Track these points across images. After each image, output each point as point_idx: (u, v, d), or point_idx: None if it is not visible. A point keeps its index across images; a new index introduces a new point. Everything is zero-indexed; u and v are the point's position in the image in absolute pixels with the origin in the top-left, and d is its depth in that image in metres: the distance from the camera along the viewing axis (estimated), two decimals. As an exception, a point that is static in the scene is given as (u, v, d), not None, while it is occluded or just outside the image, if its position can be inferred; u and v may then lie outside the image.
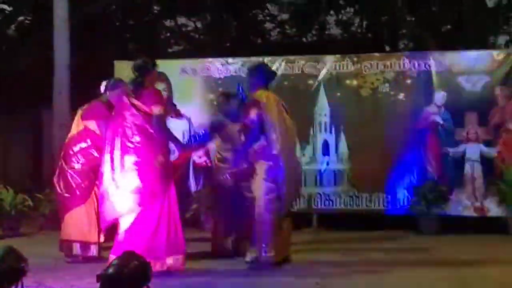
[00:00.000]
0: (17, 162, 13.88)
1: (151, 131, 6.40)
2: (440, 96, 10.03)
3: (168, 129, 6.65)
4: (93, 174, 7.22)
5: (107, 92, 7.46)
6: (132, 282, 4.60)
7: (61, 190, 7.40)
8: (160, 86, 10.68)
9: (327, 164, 10.27)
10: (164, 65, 10.88)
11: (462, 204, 9.87)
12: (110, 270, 4.59)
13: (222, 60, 10.75)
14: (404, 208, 9.97)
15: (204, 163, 8.28)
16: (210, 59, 10.85)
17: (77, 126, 7.51)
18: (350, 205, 10.12)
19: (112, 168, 6.41)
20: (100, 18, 14.95)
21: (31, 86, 13.47)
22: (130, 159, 6.36)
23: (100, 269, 4.66)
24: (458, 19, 14.98)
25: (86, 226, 7.27)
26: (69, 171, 7.35)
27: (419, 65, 10.17)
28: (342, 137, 10.25)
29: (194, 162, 8.45)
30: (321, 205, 10.22)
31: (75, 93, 11.11)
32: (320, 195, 10.23)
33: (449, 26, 16.11)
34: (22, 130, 13.85)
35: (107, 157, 6.49)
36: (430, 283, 5.89)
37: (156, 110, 6.41)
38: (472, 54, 10.31)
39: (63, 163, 7.43)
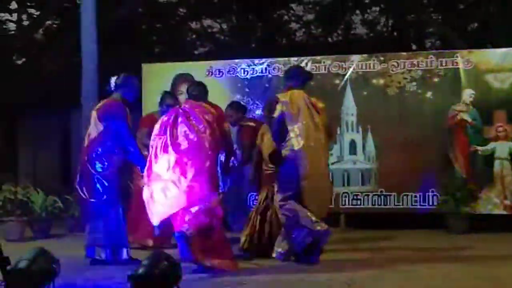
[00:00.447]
0: (47, 165, 14.01)
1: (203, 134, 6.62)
2: (468, 94, 9.98)
3: None
4: (120, 175, 7.18)
5: (119, 89, 7.32)
6: (163, 282, 4.65)
7: (86, 195, 7.15)
8: (186, 87, 10.83)
9: (354, 163, 10.26)
10: (190, 67, 11.08)
11: (492, 202, 9.81)
12: (141, 270, 4.65)
13: (248, 61, 10.79)
14: (432, 207, 9.92)
15: (231, 163, 8.30)
16: (236, 60, 10.90)
17: (96, 128, 7.22)
18: (378, 204, 10.10)
19: (170, 167, 6.50)
20: (127, 21, 15.03)
21: (60, 89, 13.58)
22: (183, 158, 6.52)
23: (130, 269, 4.72)
24: (485, 17, 14.86)
25: (114, 229, 7.10)
26: (96, 175, 7.11)
27: (446, 63, 10.12)
28: (369, 136, 10.24)
29: (221, 162, 8.46)
30: (348, 204, 10.21)
31: (103, 96, 11.18)
32: (348, 194, 10.22)
33: (476, 24, 15.99)
34: (51, 133, 13.98)
35: (162, 156, 6.56)
36: (460, 281, 5.86)
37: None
38: (500, 51, 10.24)
39: (89, 167, 7.13)
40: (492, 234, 9.26)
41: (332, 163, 10.14)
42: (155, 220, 6.63)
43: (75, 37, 11.93)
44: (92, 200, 7.11)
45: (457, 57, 10.11)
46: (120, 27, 14.56)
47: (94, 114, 7.32)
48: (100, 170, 7.11)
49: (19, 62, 15.95)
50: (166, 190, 6.50)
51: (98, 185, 7.11)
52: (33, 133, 14.02)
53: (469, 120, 9.97)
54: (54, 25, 16.35)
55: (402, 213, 10.04)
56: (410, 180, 10.01)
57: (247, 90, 10.61)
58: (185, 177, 6.46)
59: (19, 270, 4.82)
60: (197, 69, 10.86)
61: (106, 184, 7.10)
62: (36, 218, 9.94)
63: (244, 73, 10.68)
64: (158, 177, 6.57)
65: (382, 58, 10.34)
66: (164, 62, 11.90)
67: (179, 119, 6.70)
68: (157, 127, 6.82)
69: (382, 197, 10.11)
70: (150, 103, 9.94)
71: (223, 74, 10.76)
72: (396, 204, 10.05)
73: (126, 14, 14.96)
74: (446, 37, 14.71)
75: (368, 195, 10.17)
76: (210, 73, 10.77)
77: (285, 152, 7.03)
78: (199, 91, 7.22)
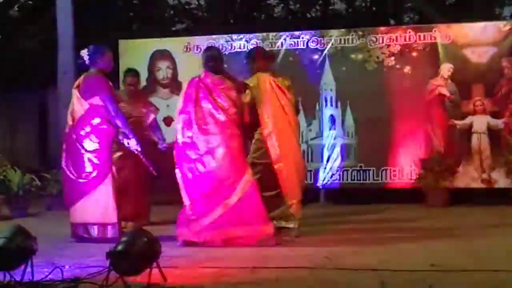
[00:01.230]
0: (24, 143, 13.90)
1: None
2: (446, 69, 9.98)
3: None
4: (110, 150, 7.02)
5: (93, 62, 7.12)
6: (142, 259, 4.62)
7: (74, 175, 6.97)
8: (164, 64, 10.77)
9: (334, 138, 10.26)
10: (168, 43, 10.99)
11: (470, 176, 9.86)
12: (119, 247, 4.62)
13: (226, 36, 10.71)
14: (411, 182, 9.96)
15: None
16: (214, 36, 10.83)
17: (81, 106, 6.99)
18: (357, 179, 10.13)
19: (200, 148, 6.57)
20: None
21: (36, 67, 13.45)
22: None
23: (109, 246, 4.69)
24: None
25: (103, 207, 6.94)
26: (86, 153, 6.92)
27: (424, 37, 10.11)
28: (348, 111, 10.24)
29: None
30: (328, 179, 10.23)
31: (79, 73, 11.08)
32: (327, 169, 10.22)
33: (453, -1, 16.04)
34: (28, 111, 13.85)
35: (188, 134, 6.60)
36: (438, 253, 5.89)
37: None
38: (478, 25, 10.23)
39: (78, 146, 6.91)
40: (470, 207, 9.32)
41: (311, 139, 10.19)
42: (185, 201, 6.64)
43: (51, 13, 11.80)
44: (82, 180, 6.93)
45: (435, 31, 10.10)
46: (96, 3, 14.41)
47: (75, 92, 7.10)
48: (90, 148, 6.92)
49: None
50: (195, 170, 6.56)
51: (88, 164, 6.92)
52: (10, 110, 13.88)
53: (447, 94, 9.98)
54: (29, 2, 16.16)
55: (381, 188, 10.08)
56: (389, 154, 10.04)
57: (225, 66, 10.50)
58: (213, 157, 6.52)
59: (-4, 248, 4.77)
60: (175, 45, 10.79)
61: (97, 161, 6.92)
62: (13, 196, 9.86)
63: (222, 48, 10.59)
64: (187, 158, 6.59)
65: (360, 33, 10.31)
66: (141, 38, 11.80)
67: (200, 94, 6.65)
68: (180, 104, 6.74)
69: (361, 172, 10.13)
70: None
71: (201, 50, 10.64)
72: (375, 179, 10.08)
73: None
74: (424, 11, 14.70)
75: (347, 170, 10.19)
76: (188, 49, 10.69)
77: (257, 135, 7.10)
78: (214, 60, 6.93)
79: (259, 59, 7.38)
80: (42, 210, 10.08)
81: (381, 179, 10.06)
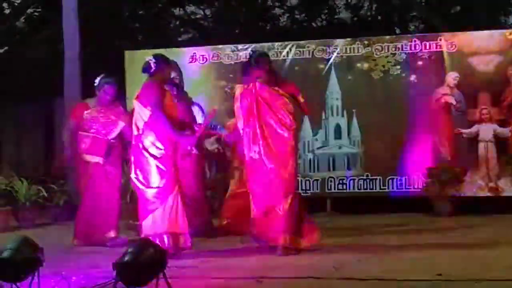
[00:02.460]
0: (29, 153, 13.91)
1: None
2: (452, 77, 9.98)
3: None
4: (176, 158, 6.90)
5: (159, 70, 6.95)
6: (148, 270, 4.62)
7: (144, 184, 6.69)
8: (171, 74, 10.75)
9: (340, 148, 10.26)
10: (174, 54, 10.97)
11: (477, 185, 9.84)
12: (126, 258, 4.62)
13: (232, 46, 10.73)
14: (417, 191, 9.94)
15: (216, 150, 8.29)
16: (220, 46, 10.85)
17: (143, 113, 6.74)
18: (363, 188, 10.12)
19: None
20: (109, 8, 14.92)
21: (42, 77, 13.49)
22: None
23: (116, 257, 4.69)
24: (468, 0, 14.86)
25: (174, 216, 6.70)
26: (154, 161, 6.68)
27: (430, 46, 10.11)
28: (354, 120, 10.23)
29: (206, 149, 8.42)
30: (334, 189, 10.22)
31: (85, 84, 11.13)
32: (334, 179, 10.22)
33: (458, 7, 16.00)
34: (34, 121, 13.86)
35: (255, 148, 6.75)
36: (446, 264, 5.86)
37: None
38: (484, 34, 10.24)
39: (145, 154, 6.68)
40: (477, 216, 9.29)
41: (318, 148, 10.20)
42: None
43: (57, 25, 11.84)
44: (152, 187, 6.70)
45: (440, 40, 10.10)
46: (102, 14, 14.46)
47: (136, 102, 6.91)
48: (158, 155, 6.72)
49: (1, 50, 15.81)
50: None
51: (155, 172, 6.70)
52: (16, 121, 13.91)
53: (454, 102, 9.97)
54: (36, 13, 16.21)
55: (387, 197, 10.06)
56: (396, 163, 10.02)
57: (231, 76, 10.54)
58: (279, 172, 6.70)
59: (2, 259, 4.77)
60: (181, 56, 10.79)
61: (164, 169, 6.71)
62: (20, 208, 9.87)
63: (228, 59, 10.63)
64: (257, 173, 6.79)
65: (366, 42, 10.31)
66: (147, 49, 11.81)
67: (261, 108, 6.75)
68: (239, 116, 6.85)
69: (368, 181, 10.12)
70: (133, 91, 9.82)
71: (207, 60, 10.70)
72: (381, 188, 10.07)
73: (108, 0, 14.85)
74: (430, 20, 14.70)
75: (353, 179, 10.18)
76: (194, 59, 10.71)
77: None
78: (268, 73, 6.91)
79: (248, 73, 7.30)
80: (49, 221, 10.09)
81: (388, 188, 10.05)
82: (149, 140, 6.71)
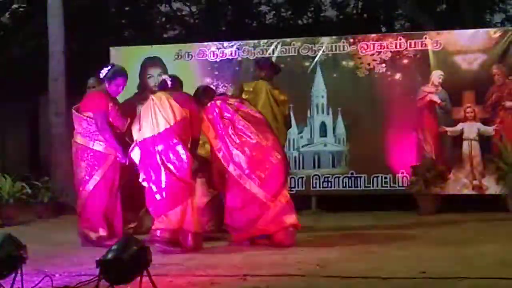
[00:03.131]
0: (14, 150, 13.83)
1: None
2: (437, 76, 10.01)
3: None
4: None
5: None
6: (132, 267, 4.60)
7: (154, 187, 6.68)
8: (156, 71, 10.75)
9: (325, 145, 10.27)
10: (159, 50, 10.98)
11: (461, 183, 9.88)
12: (109, 256, 4.60)
13: (217, 43, 10.72)
14: (402, 189, 9.97)
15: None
16: (205, 43, 10.83)
17: (181, 114, 6.76)
18: (348, 186, 10.14)
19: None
20: (95, 4, 14.85)
21: (27, 74, 13.41)
22: None
23: (99, 255, 4.67)
24: (454, -2, 14.92)
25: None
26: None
27: (415, 45, 10.14)
28: (340, 118, 10.25)
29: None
30: (319, 187, 10.23)
31: (71, 81, 11.09)
32: (319, 176, 10.23)
33: (444, 6, 16.06)
34: (19, 118, 13.79)
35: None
36: (429, 260, 5.88)
37: None
38: (469, 32, 10.29)
39: (163, 160, 6.65)
40: (461, 214, 9.33)
41: (303, 146, 10.21)
42: None
43: (43, 21, 11.78)
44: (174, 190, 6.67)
45: (425, 38, 10.13)
46: (88, 10, 14.38)
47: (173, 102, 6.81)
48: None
49: (-15, 46, 15.70)
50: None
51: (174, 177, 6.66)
52: (0, 117, 13.83)
53: (438, 101, 10.01)
54: (21, 9, 16.10)
55: (372, 195, 10.08)
56: (380, 161, 10.05)
57: (216, 73, 10.54)
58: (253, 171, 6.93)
59: (-15, 257, 4.75)
60: (166, 52, 10.78)
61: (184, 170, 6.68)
62: (3, 205, 9.82)
63: (213, 56, 10.61)
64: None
65: (351, 40, 10.33)
66: (133, 45, 11.78)
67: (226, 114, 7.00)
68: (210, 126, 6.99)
69: (353, 179, 10.14)
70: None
71: (192, 57, 10.68)
72: (366, 186, 10.09)
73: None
74: (416, 19, 14.73)
75: (339, 177, 10.19)
76: (179, 56, 10.68)
77: None
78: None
79: (266, 68, 7.89)
80: (33, 218, 10.03)
81: (372, 186, 10.07)
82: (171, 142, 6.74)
